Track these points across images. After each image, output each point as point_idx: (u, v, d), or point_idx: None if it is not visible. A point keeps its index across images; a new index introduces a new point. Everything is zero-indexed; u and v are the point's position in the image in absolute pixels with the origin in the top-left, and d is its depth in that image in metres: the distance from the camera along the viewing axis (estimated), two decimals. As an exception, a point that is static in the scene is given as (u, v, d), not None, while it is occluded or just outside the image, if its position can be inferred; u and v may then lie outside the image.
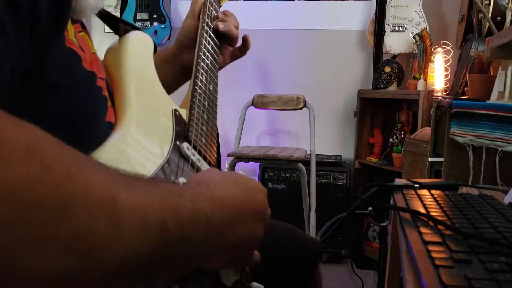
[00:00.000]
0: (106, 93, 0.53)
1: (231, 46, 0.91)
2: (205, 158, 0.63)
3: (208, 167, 0.63)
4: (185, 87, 0.73)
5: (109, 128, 0.51)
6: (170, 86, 0.93)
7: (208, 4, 0.87)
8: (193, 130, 0.62)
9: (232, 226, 0.43)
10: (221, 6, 0.94)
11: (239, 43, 0.94)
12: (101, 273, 0.31)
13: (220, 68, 0.91)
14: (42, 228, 0.28)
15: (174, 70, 0.92)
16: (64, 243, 0.29)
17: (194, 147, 0.60)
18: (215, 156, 0.68)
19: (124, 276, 0.33)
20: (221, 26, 0.85)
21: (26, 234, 0.27)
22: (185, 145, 0.58)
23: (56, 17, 0.43)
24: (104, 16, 0.65)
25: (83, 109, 0.48)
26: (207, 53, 0.79)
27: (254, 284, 0.58)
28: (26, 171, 0.28)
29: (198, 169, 0.59)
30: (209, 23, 0.85)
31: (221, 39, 0.87)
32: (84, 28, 0.57)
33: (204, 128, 0.66)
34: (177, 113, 0.62)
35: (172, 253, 0.37)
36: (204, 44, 0.80)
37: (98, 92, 0.51)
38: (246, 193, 0.47)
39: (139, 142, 0.51)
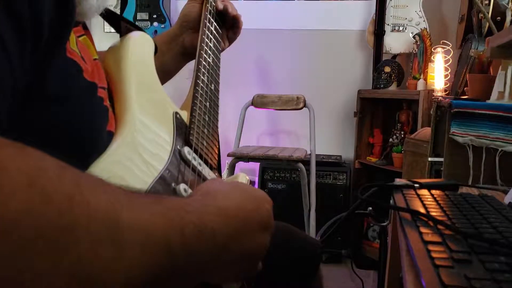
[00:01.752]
0: (107, 103, 0.53)
1: (226, 29, 0.94)
2: (206, 162, 0.62)
3: (209, 170, 0.62)
4: (186, 88, 0.73)
5: (110, 138, 0.50)
6: (170, 69, 0.94)
7: (210, 0, 0.88)
8: (194, 133, 0.61)
9: (239, 238, 0.43)
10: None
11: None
12: None
13: (225, 48, 0.93)
14: (45, 259, 0.27)
15: (174, 51, 0.92)
16: (67, 271, 0.28)
17: (195, 151, 0.59)
18: (216, 159, 0.68)
19: None
20: (219, 5, 0.89)
21: (29, 266, 0.27)
22: (186, 149, 0.57)
23: (59, 29, 0.43)
24: (106, 15, 0.65)
25: (83, 121, 0.47)
26: (208, 51, 0.78)
27: None
28: (27, 202, 0.27)
29: (199, 174, 0.58)
30: (211, 19, 0.85)
31: (221, 22, 0.90)
32: (85, 29, 0.56)
33: (205, 130, 0.65)
34: (178, 116, 0.61)
35: (177, 270, 0.36)
36: (206, 41, 0.79)
37: (98, 103, 0.50)
38: (253, 204, 0.47)
39: (139, 148, 0.51)
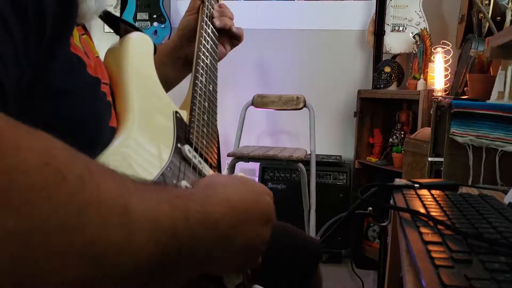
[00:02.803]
0: (110, 98, 0.53)
1: (228, 36, 0.94)
2: (206, 160, 0.62)
3: (209, 169, 0.62)
4: (185, 88, 0.73)
5: (112, 133, 0.51)
6: (173, 80, 0.94)
7: (206, 3, 0.88)
8: (194, 132, 0.62)
9: (241, 229, 0.43)
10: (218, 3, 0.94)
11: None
12: (113, 278, 0.31)
13: (221, 58, 0.92)
14: (57, 237, 0.28)
15: (177, 62, 0.93)
16: (78, 250, 0.29)
17: (195, 149, 0.60)
18: (216, 157, 0.68)
19: (136, 281, 0.33)
20: (217, 22, 0.89)
21: (42, 243, 0.27)
22: (187, 147, 0.58)
23: (62, 23, 0.43)
24: (105, 16, 0.65)
25: (87, 115, 0.48)
26: (206, 53, 0.79)
27: (256, 286, 0.58)
28: (42, 180, 0.28)
29: (199, 172, 0.58)
30: (208, 21, 0.86)
31: (220, 31, 0.90)
32: (85, 30, 0.57)
33: (204, 129, 0.66)
34: (178, 115, 0.61)
35: (183, 256, 0.37)
36: (203, 43, 0.80)
37: (102, 98, 0.51)
38: (254, 195, 0.47)
39: (141, 145, 0.51)
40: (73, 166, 0.30)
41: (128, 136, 0.51)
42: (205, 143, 0.64)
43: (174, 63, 0.93)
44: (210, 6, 0.89)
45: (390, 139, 2.50)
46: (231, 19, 0.93)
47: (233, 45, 0.97)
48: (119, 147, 0.49)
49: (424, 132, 1.87)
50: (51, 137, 0.31)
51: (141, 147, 0.51)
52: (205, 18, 0.85)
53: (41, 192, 0.27)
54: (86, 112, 0.48)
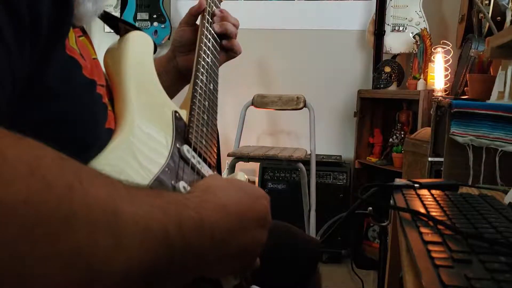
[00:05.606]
0: (106, 100, 0.53)
1: (230, 41, 0.92)
2: (205, 160, 0.62)
3: (209, 169, 0.62)
4: (185, 87, 0.73)
5: (109, 135, 0.51)
6: (168, 92, 0.93)
7: (209, 1, 0.87)
8: (193, 132, 0.62)
9: (236, 234, 0.43)
10: (221, 2, 0.94)
11: None
12: (102, 285, 0.31)
13: (222, 63, 0.91)
14: (45, 244, 0.28)
15: (170, 75, 0.92)
16: (66, 258, 0.29)
17: (194, 149, 0.60)
18: (215, 157, 0.68)
19: (127, 287, 0.33)
20: (216, 27, 0.86)
21: (29, 251, 0.27)
22: (185, 147, 0.58)
23: (57, 26, 0.43)
24: (104, 16, 0.65)
25: (82, 117, 0.48)
26: (207, 51, 0.78)
27: (254, 287, 0.58)
28: (28, 188, 0.28)
29: (198, 172, 0.58)
30: (210, 19, 0.85)
31: (222, 36, 0.88)
32: (84, 32, 0.57)
33: (204, 129, 0.66)
34: (177, 114, 0.61)
35: (176, 263, 0.37)
36: (205, 42, 0.79)
37: (98, 100, 0.51)
38: (250, 200, 0.47)
39: (139, 146, 0.51)
40: (60, 174, 0.30)
41: (126, 138, 0.51)
42: (204, 143, 0.64)
43: (169, 73, 0.92)
44: (212, 4, 0.88)
45: (390, 139, 2.50)
46: (236, 26, 0.89)
47: (229, 57, 0.93)
48: (116, 149, 0.49)
49: (424, 132, 1.87)
50: (41, 145, 0.31)
51: (138, 148, 0.51)
52: (207, 16, 0.85)
53: (26, 202, 0.27)
54: (81, 114, 0.48)
